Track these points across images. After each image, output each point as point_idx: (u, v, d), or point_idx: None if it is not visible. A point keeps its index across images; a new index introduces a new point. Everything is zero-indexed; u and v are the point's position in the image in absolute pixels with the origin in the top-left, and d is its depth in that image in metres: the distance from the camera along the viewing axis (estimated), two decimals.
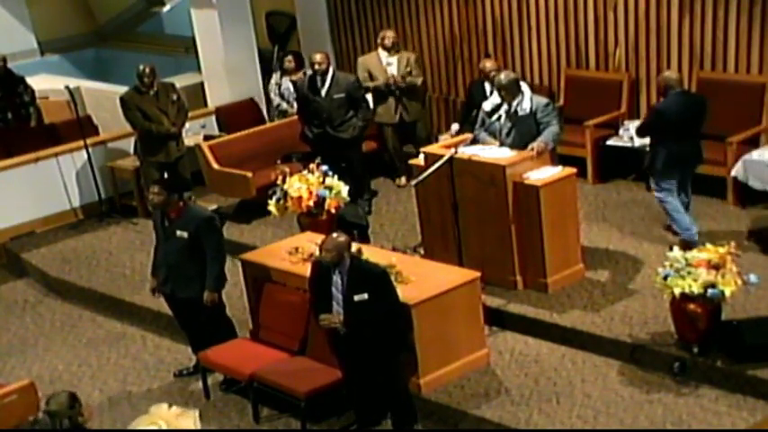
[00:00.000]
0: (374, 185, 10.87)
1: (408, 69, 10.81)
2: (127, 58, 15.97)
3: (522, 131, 8.37)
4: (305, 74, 11.47)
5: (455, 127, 10.43)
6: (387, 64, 10.82)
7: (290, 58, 11.57)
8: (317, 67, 10.16)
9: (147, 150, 10.66)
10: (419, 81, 10.94)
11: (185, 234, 7.63)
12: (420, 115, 11.05)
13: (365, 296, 6.63)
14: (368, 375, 6.93)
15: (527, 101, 8.44)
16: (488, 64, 10.33)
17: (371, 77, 10.81)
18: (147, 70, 10.48)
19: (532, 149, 8.22)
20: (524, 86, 8.58)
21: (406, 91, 10.82)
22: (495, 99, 8.62)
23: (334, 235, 6.83)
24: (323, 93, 10.18)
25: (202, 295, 7.69)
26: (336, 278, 6.72)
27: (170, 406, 5.13)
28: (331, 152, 10.03)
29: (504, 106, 8.49)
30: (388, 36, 10.84)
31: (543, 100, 8.56)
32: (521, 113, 8.41)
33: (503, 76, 8.54)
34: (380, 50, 10.91)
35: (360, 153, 10.52)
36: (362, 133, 10.44)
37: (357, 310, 6.65)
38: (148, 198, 7.93)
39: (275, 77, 11.64)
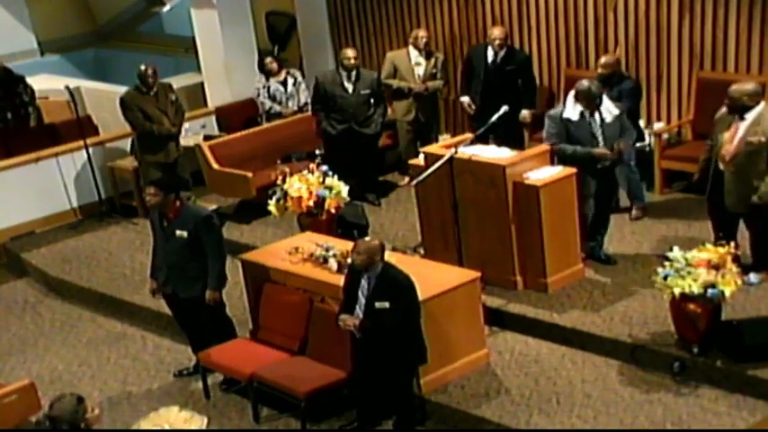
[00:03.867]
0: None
1: (434, 71, 10.83)
2: (127, 58, 15.98)
3: (611, 136, 8.24)
4: (288, 74, 11.49)
5: (465, 99, 10.55)
6: (416, 63, 10.82)
7: (270, 59, 11.55)
8: (351, 62, 10.25)
9: (147, 151, 10.66)
10: (441, 85, 10.99)
11: (185, 233, 7.62)
12: (435, 116, 11.09)
13: (386, 304, 6.62)
14: (379, 380, 6.93)
15: (612, 105, 8.31)
16: (496, 32, 10.32)
17: (395, 74, 10.83)
18: (150, 71, 10.48)
19: (619, 148, 8.19)
20: None
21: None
22: (574, 108, 8.26)
23: (367, 239, 6.87)
24: (350, 88, 10.24)
25: (204, 295, 7.69)
26: (364, 282, 6.72)
27: (180, 409, 5.08)
28: (351, 148, 10.29)
29: (591, 113, 8.24)
30: (421, 35, 10.79)
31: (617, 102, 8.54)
32: (609, 119, 8.26)
33: (593, 87, 8.20)
34: (411, 49, 10.87)
35: (377, 148, 10.73)
36: (383, 129, 10.63)
37: (376, 316, 6.64)
38: (145, 199, 7.90)
39: (261, 81, 11.59)
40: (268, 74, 11.50)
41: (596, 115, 8.25)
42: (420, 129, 11.01)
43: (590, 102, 8.20)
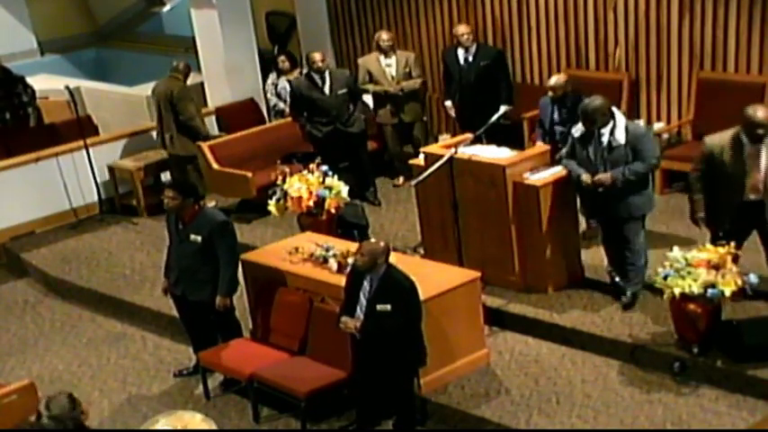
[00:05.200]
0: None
1: (407, 70, 10.80)
2: (127, 58, 16.00)
3: (615, 163, 7.59)
4: (301, 73, 11.52)
5: (448, 103, 10.68)
6: (386, 65, 10.82)
7: (283, 58, 11.65)
8: (319, 65, 10.26)
9: (191, 143, 10.80)
10: (419, 83, 10.93)
11: (199, 238, 7.58)
12: (418, 116, 11.04)
13: (388, 307, 6.61)
14: (379, 380, 6.92)
15: (621, 131, 7.56)
16: (461, 28, 10.36)
17: (371, 78, 10.82)
18: (183, 65, 10.76)
19: (597, 179, 7.58)
20: (617, 114, 7.69)
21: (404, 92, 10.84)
22: (581, 125, 7.74)
23: (372, 240, 6.88)
24: (327, 90, 10.25)
25: (213, 298, 7.65)
26: (366, 284, 6.71)
27: (203, 419, 5.02)
28: (341, 148, 10.30)
29: (598, 134, 7.63)
30: (383, 39, 10.79)
31: (641, 129, 7.91)
32: (614, 144, 7.58)
33: (590, 105, 7.56)
34: (378, 52, 10.91)
35: (366, 146, 10.73)
36: (368, 126, 10.64)
37: (377, 319, 6.64)
38: (164, 201, 7.78)
39: (272, 78, 11.67)
40: (280, 72, 11.56)
41: (605, 137, 7.61)
42: (404, 130, 10.99)
43: (585, 120, 7.59)
